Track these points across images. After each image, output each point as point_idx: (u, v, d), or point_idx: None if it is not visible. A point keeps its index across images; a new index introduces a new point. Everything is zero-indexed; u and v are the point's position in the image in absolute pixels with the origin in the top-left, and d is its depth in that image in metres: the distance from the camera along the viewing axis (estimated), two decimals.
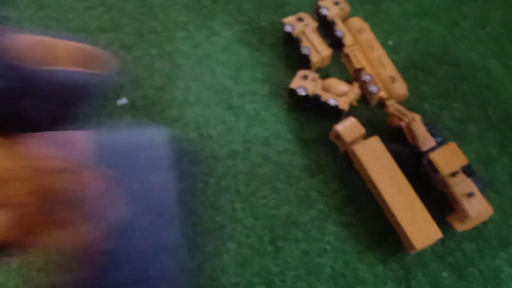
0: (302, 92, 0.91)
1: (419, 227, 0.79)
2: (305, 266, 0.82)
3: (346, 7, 1.00)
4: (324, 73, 0.98)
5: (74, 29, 1.02)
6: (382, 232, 0.84)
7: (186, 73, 0.98)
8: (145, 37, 1.01)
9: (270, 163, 0.90)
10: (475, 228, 0.85)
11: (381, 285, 0.81)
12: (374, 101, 0.94)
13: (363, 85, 0.94)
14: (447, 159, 0.81)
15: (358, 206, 0.87)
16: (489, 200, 0.87)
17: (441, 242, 0.84)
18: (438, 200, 0.83)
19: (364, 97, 0.96)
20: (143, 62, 0.99)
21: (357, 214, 0.86)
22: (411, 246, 0.79)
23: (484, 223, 0.85)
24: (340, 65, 1.00)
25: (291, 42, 0.99)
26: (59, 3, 1.03)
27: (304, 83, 0.92)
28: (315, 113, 0.95)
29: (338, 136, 0.89)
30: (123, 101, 0.94)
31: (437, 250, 0.83)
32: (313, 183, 0.89)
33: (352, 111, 0.94)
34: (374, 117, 0.95)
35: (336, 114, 0.92)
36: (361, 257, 0.83)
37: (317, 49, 0.96)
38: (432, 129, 0.87)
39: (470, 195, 0.79)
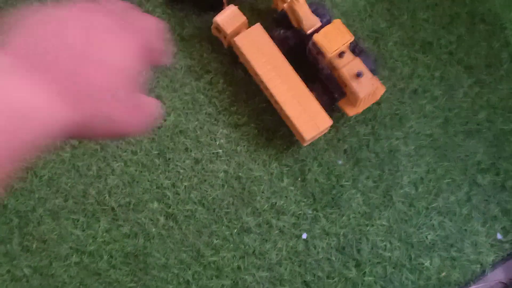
0: None
1: (308, 117, 0.75)
2: (197, 175, 0.78)
3: None
4: None
5: None
6: (273, 128, 0.80)
7: None
8: None
9: (149, 69, 0.82)
10: (369, 110, 0.82)
11: (277, 182, 0.78)
12: None
13: None
14: (332, 39, 0.75)
15: (246, 104, 0.81)
16: (383, 78, 0.84)
17: (335, 130, 0.81)
18: (327, 86, 0.78)
19: None
20: None
21: (246, 112, 0.81)
22: (302, 137, 0.75)
23: (378, 103, 0.83)
24: None
25: None
26: None
27: None
28: (195, 6, 0.85)
29: (219, 28, 0.81)
30: None
31: (330, 139, 0.81)
32: (199, 85, 0.82)
33: None
34: (259, 2, 0.86)
35: (216, 4, 0.83)
36: (254, 156, 0.79)
37: None
38: (318, 9, 0.80)
39: (358, 75, 0.75)
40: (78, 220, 0.74)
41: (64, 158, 0.76)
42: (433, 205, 0.79)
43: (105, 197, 0.76)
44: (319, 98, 0.77)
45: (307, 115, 0.75)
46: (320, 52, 0.76)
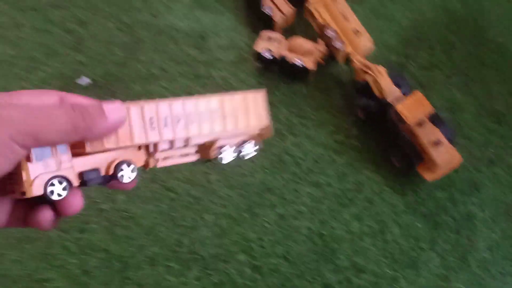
0: (267, 55, 0.90)
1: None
2: (282, 230, 0.83)
3: None
4: (289, 33, 0.96)
5: (24, 8, 0.98)
6: (355, 189, 0.85)
7: (148, 45, 0.95)
8: (101, 10, 0.98)
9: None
10: (447, 176, 0.86)
11: (358, 241, 0.82)
12: (341, 57, 0.93)
13: (329, 42, 0.92)
14: (413, 108, 0.81)
15: (329, 166, 0.87)
16: (459, 146, 0.88)
17: (414, 194, 0.85)
18: (407, 151, 0.83)
19: (331, 54, 0.94)
20: (101, 36, 0.96)
21: (329, 173, 0.87)
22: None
23: (455, 170, 0.87)
24: (304, 23, 0.98)
25: (253, 3, 0.96)
26: None
27: (269, 45, 0.90)
28: (283, 76, 0.93)
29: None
30: (84, 80, 0.91)
31: (410, 202, 0.85)
32: (286, 146, 0.89)
33: (320, 69, 0.93)
34: (343, 73, 0.94)
35: (304, 74, 0.91)
36: (336, 215, 0.84)
37: (279, 8, 0.94)
38: (398, 80, 0.86)
39: (437, 143, 0.80)
40: (172, 267, 0.81)
41: (162, 209, 0.84)
42: (507, 270, 0.81)
43: (197, 247, 0.82)
44: (399, 162, 0.83)
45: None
46: (401, 120, 0.82)
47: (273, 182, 0.86)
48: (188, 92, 0.91)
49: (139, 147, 0.44)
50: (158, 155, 0.45)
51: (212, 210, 0.84)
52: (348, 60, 0.93)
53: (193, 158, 0.47)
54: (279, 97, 0.92)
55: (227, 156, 0.48)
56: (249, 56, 0.94)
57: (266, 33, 0.92)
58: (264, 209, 0.84)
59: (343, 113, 0.91)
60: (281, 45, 0.90)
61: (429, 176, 0.83)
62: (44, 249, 0.81)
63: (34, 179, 0.38)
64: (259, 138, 0.50)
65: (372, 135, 0.89)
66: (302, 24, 0.98)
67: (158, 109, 0.43)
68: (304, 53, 0.90)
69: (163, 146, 0.45)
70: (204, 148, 0.48)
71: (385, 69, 0.86)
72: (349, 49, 0.92)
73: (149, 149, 0.45)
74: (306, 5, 0.95)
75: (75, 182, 0.40)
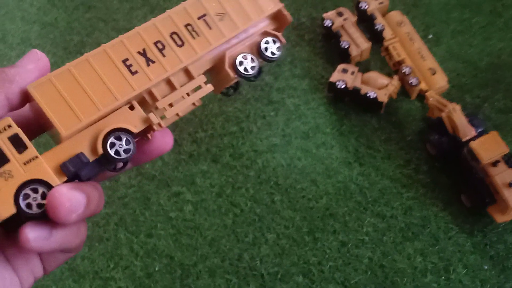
0: (341, 85, 0.92)
1: None
2: (343, 257, 0.83)
3: (385, 0, 1.01)
4: (364, 67, 0.99)
5: (120, 29, 1.07)
6: (420, 224, 0.84)
7: None
8: None
9: (309, 156, 0.92)
10: None
11: (420, 277, 0.81)
12: (414, 93, 0.94)
13: (403, 77, 0.94)
14: (488, 147, 0.80)
15: (396, 198, 0.87)
16: None
17: (482, 234, 0.83)
18: (479, 190, 0.82)
19: (404, 89, 0.95)
20: None
21: (395, 206, 0.86)
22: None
23: None
24: (380, 59, 1.00)
25: (331, 37, 1.00)
26: (106, 4, 1.09)
27: (344, 77, 0.93)
28: (354, 107, 0.95)
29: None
30: None
31: (478, 242, 0.82)
32: (352, 175, 0.89)
33: (392, 104, 0.94)
34: (414, 109, 0.94)
35: (375, 107, 0.92)
36: (399, 248, 0.83)
37: (356, 42, 0.97)
38: (473, 120, 0.86)
39: (511, 185, 0.78)
40: (231, 281, 0.82)
41: (226, 223, 0.86)
42: None
43: (257, 263, 0.83)
44: (469, 201, 0.81)
45: None
46: (474, 158, 0.81)
47: (336, 209, 0.87)
48: (261, 115, 0.95)
49: (131, 106, 0.34)
50: (161, 103, 0.35)
51: (274, 230, 0.85)
52: (421, 96, 0.94)
53: (208, 88, 0.38)
54: (349, 127, 0.93)
55: (250, 67, 0.39)
56: (321, 86, 0.97)
57: (342, 66, 0.95)
58: (326, 234, 0.85)
59: (413, 148, 0.91)
60: (356, 77, 0.93)
61: (499, 218, 0.81)
62: (112, 249, 0.85)
63: None
64: (276, 30, 0.42)
65: (442, 172, 0.88)
66: (377, 60, 1.00)
67: (127, 46, 0.34)
68: (377, 87, 0.92)
69: (160, 90, 0.36)
70: (217, 72, 0.39)
71: (460, 106, 0.86)
72: (423, 86, 0.93)
73: (147, 101, 0.35)
74: (384, 42, 0.98)
75: (56, 180, 0.30)
